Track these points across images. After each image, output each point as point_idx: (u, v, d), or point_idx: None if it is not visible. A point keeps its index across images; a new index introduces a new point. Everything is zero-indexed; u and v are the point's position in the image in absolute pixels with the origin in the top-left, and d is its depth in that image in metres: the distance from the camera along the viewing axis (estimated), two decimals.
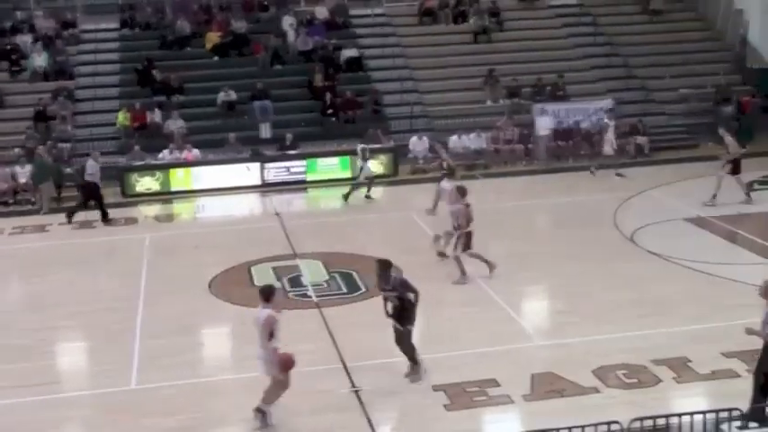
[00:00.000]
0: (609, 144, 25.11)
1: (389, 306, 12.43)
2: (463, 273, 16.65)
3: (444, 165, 21.07)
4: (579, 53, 30.92)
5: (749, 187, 22.04)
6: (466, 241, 16.79)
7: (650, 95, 29.52)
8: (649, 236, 19.25)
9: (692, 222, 20.18)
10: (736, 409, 10.39)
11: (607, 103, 28.19)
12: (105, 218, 22.13)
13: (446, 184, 18.93)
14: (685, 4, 33.23)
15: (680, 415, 10.35)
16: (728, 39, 31.49)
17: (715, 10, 32.27)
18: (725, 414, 10.43)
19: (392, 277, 12.50)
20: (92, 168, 22.41)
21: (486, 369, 12.68)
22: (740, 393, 11.54)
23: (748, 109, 28.16)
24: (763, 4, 30.37)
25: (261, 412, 11.32)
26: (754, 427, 10.09)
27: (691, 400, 11.77)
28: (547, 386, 12.25)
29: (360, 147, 23.51)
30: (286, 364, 11.23)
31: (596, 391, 12.12)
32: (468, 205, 16.85)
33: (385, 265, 12.53)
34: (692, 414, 10.26)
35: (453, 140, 26.73)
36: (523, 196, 22.85)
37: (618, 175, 24.69)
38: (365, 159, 23.32)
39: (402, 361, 12.74)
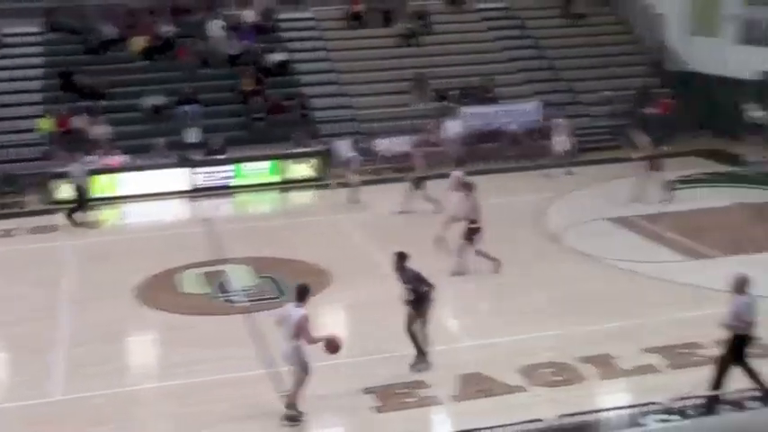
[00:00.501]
0: (560, 144, 25.52)
1: (407, 296, 12.93)
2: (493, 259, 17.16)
3: (418, 169, 21.71)
4: (506, 56, 31.29)
5: (671, 185, 22.55)
6: (472, 236, 17.09)
7: (577, 97, 30.00)
8: (575, 235, 19.59)
9: (616, 222, 20.55)
10: (657, 402, 10.65)
11: (533, 105, 28.58)
12: (70, 217, 22.10)
13: (455, 173, 19.74)
14: (606, 8, 33.85)
15: (603, 411, 10.57)
16: (648, 42, 32.17)
17: (634, 14, 32.94)
18: (646, 408, 10.69)
19: (407, 270, 12.95)
20: (77, 171, 22.31)
21: (414, 371, 12.77)
22: (660, 387, 11.85)
23: (668, 110, 28.79)
24: (680, 9, 31.09)
25: (291, 418, 11.51)
26: (675, 420, 10.34)
27: (614, 395, 12.03)
28: (474, 386, 12.40)
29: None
30: (332, 346, 11.64)
31: (522, 389, 12.30)
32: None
33: (401, 258, 13.03)
34: (614, 409, 10.49)
35: (382, 143, 26.82)
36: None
37: (568, 173, 25.07)
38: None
39: (334, 364, 12.77)
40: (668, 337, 13.77)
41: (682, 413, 10.77)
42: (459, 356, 13.46)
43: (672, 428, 10.23)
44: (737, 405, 11.08)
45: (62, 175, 23.69)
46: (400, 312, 13.96)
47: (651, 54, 31.77)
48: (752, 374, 11.49)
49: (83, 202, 22.35)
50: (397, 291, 15.97)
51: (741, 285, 11.67)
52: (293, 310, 11.47)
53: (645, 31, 32.36)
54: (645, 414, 10.76)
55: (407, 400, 12.10)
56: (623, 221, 20.52)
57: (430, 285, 12.93)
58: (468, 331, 14.74)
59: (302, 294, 11.59)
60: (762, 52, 27.54)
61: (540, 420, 10.32)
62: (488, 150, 27.42)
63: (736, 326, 11.38)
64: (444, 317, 15.33)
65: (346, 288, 16.67)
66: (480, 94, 29.17)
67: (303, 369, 11.45)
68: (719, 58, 28.89)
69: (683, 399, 11.00)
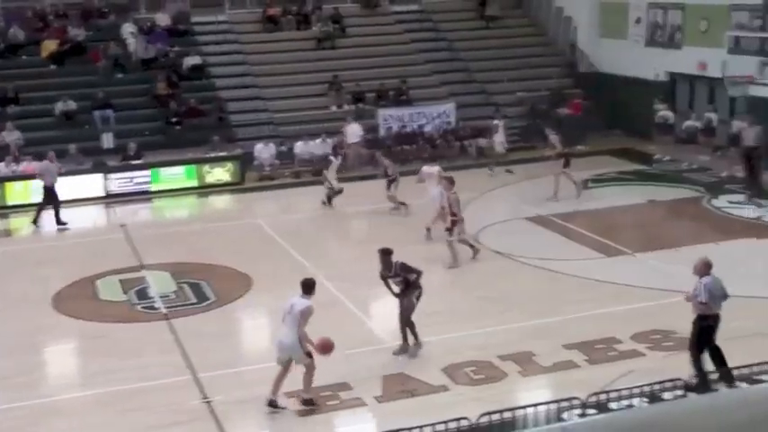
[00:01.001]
0: (500, 144, 25.84)
1: (395, 288, 13.47)
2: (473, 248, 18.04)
3: (388, 171, 21.94)
4: (421, 58, 31.54)
5: (584, 185, 23.05)
6: (452, 227, 17.76)
7: (490, 99, 30.39)
8: (493, 235, 19.84)
9: (532, 221, 20.91)
10: (576, 398, 10.86)
11: (448, 106, 28.88)
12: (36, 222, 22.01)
13: (428, 169, 20.63)
14: (519, 11, 34.38)
15: (525, 407, 10.74)
16: (560, 44, 32.79)
17: (546, 17, 33.55)
18: (566, 404, 10.89)
19: (393, 263, 13.45)
20: (43, 170, 22.07)
21: (338, 373, 12.80)
22: (580, 383, 12.10)
23: (580, 111, 29.39)
24: (589, 13, 31.78)
25: (309, 402, 11.90)
26: (592, 414, 10.56)
27: (535, 392, 12.23)
28: (398, 387, 12.49)
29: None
30: (325, 347, 11.90)
31: (446, 389, 12.44)
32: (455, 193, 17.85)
33: (386, 253, 13.53)
34: (535, 406, 10.67)
35: (299, 146, 26.80)
36: (370, 200, 23.11)
37: (507, 171, 25.35)
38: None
39: (257, 368, 12.75)
40: (586, 333, 14.08)
41: (600, 407, 11.00)
42: (383, 357, 13.54)
43: (590, 422, 10.46)
44: (653, 397, 11.37)
45: None
46: (323, 316, 13.98)
47: (563, 56, 32.39)
48: (697, 361, 11.93)
49: (46, 205, 21.92)
50: (319, 295, 16.04)
51: (703, 268, 12.10)
52: (299, 301, 11.85)
53: (557, 33, 32.99)
54: (565, 410, 10.96)
55: (330, 402, 12.13)
56: (539, 220, 20.89)
57: (418, 272, 13.48)
58: (391, 332, 14.80)
59: (308, 287, 11.99)
60: (667, 54, 28.33)
61: (463, 419, 10.42)
62: (405, 152, 27.58)
63: (697, 306, 11.90)
64: (367, 319, 15.43)
65: (268, 292, 16.62)
66: (396, 96, 29.35)
67: (308, 354, 11.80)
68: (628, 59, 29.63)
69: (601, 393, 11.24)
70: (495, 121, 26.40)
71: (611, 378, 12.30)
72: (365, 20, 32.91)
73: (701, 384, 11.82)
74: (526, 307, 15.43)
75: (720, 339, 13.38)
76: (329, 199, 22.58)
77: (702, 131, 26.22)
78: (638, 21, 29.77)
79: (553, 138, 23.03)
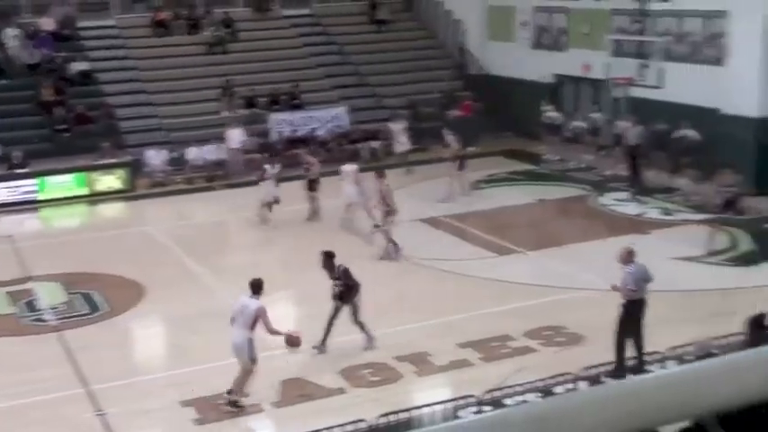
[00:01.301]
0: (402, 145, 25.99)
1: (336, 290, 13.82)
2: (394, 244, 18.33)
3: (313, 171, 21.88)
4: (313, 62, 31.57)
5: (475, 185, 23.47)
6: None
7: (382, 102, 30.63)
8: (376, 240, 19.93)
9: (427, 222, 21.16)
10: (471, 395, 11.09)
11: (340, 110, 29.00)
12: None
13: (346, 167, 20.86)
14: (409, 15, 34.75)
15: (421, 407, 10.92)
16: (449, 47, 33.28)
17: (436, 20, 33.99)
18: (462, 402, 11.12)
19: (337, 267, 13.91)
20: None
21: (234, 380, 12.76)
22: (475, 380, 12.35)
23: (471, 113, 29.88)
24: (478, 16, 32.35)
25: (234, 404, 12.04)
26: (488, 410, 10.80)
27: (431, 391, 12.43)
28: (296, 392, 12.52)
29: None
30: (293, 340, 12.57)
31: (343, 391, 12.52)
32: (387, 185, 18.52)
33: (329, 256, 14.00)
34: (432, 405, 10.86)
35: (191, 152, 26.50)
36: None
37: (408, 171, 25.51)
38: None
39: (152, 378, 12.61)
40: (480, 331, 14.35)
41: (495, 404, 11.26)
42: (280, 362, 13.53)
43: (486, 419, 10.71)
44: (546, 392, 11.68)
45: None
46: (217, 324, 13.95)
47: (453, 59, 32.87)
48: (621, 348, 12.44)
49: None
50: (212, 302, 15.98)
51: (627, 257, 12.69)
52: (250, 302, 12.20)
53: (447, 36, 33.46)
54: (461, 408, 11.19)
55: (228, 410, 12.08)
56: (433, 221, 21.16)
57: (356, 282, 13.89)
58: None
59: (257, 287, 12.37)
60: (553, 56, 29.06)
61: (361, 421, 10.55)
62: (298, 156, 27.55)
63: (626, 293, 12.45)
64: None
65: (161, 300, 16.43)
66: (288, 101, 29.32)
67: (252, 360, 12.07)
68: (516, 62, 30.27)
69: (495, 390, 11.51)
70: (395, 125, 26.57)
71: (505, 375, 12.58)
72: (257, 24, 32.77)
73: (619, 370, 12.17)
74: (421, 307, 15.61)
75: (608, 332, 13.83)
76: (269, 206, 21.89)
77: (588, 131, 26.96)
78: (524, 24, 30.44)
79: (450, 139, 23.44)
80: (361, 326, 13.89)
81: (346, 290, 13.79)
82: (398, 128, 26.38)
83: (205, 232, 21.46)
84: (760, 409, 1.65)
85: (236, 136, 26.56)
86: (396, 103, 30.28)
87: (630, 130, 23.57)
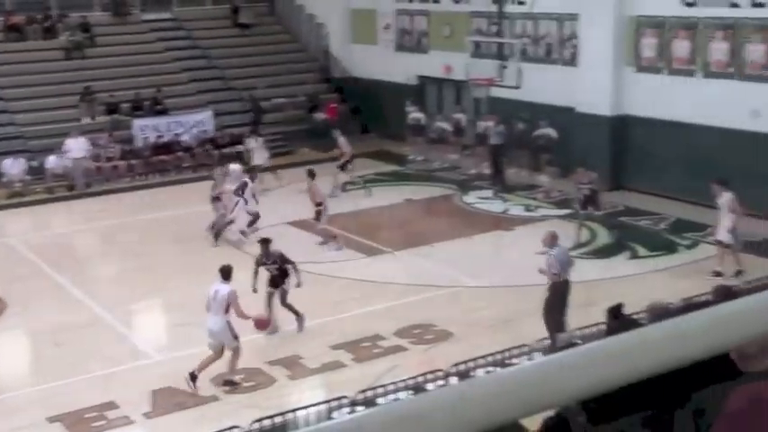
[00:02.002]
0: (261, 158, 25.52)
1: (270, 276, 14.51)
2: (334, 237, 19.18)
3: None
4: (177, 67, 31.12)
5: (343, 187, 23.61)
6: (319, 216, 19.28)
7: (247, 106, 30.43)
8: (255, 243, 19.84)
9: (295, 225, 21.12)
10: (345, 396, 11.20)
11: (205, 115, 28.70)
12: None
13: (235, 166, 21.32)
14: (272, 18, 34.67)
15: (295, 410, 10.95)
16: (313, 50, 33.37)
17: (299, 24, 34.02)
18: (335, 403, 11.21)
19: (272, 252, 14.62)
20: None
21: (103, 392, 12.52)
22: (348, 381, 12.47)
23: (336, 115, 30.03)
24: (340, 19, 32.53)
25: (231, 383, 12.68)
26: (361, 410, 10.94)
27: (305, 394, 12.48)
28: (168, 401, 12.36)
29: None
30: (261, 323, 13.55)
31: (216, 398, 12.44)
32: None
33: (266, 242, 14.91)
34: (306, 408, 10.91)
35: (52, 161, 25.70)
36: (129, 213, 22.61)
37: (276, 177, 25.20)
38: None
39: (15, 394, 12.22)
40: (351, 332, 14.48)
41: (368, 404, 11.40)
42: (151, 372, 13.35)
43: (357, 419, 10.83)
44: (417, 389, 11.88)
45: None
46: (83, 335, 13.65)
47: (317, 62, 32.97)
48: (551, 328, 12.94)
49: None
50: (77, 314, 15.64)
51: (551, 240, 13.36)
52: (221, 287, 12.79)
53: (310, 40, 33.53)
54: (335, 409, 11.27)
55: (97, 423, 11.84)
56: (302, 224, 21.14)
57: (293, 263, 14.60)
58: (157, 346, 14.63)
59: (227, 273, 12.99)
60: (416, 58, 29.51)
61: (236, 427, 10.51)
62: (163, 162, 27.17)
63: (550, 277, 13.06)
64: (130, 334, 15.12)
65: (24, 314, 15.93)
66: (152, 106, 28.82)
67: (235, 337, 12.74)
68: (379, 64, 30.60)
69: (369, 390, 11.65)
70: (251, 142, 25.74)
71: (377, 374, 12.75)
72: (116, 29, 32.03)
73: (553, 348, 12.56)
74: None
75: (476, 328, 14.21)
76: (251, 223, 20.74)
77: (451, 132, 27.48)
78: (386, 27, 30.80)
79: (341, 140, 23.66)
80: (291, 308, 14.53)
81: (280, 274, 14.46)
82: (255, 145, 25.57)
83: (68, 242, 20.90)
84: (619, 393, 1.77)
85: (79, 145, 25.48)
86: (262, 107, 30.20)
87: (493, 130, 24.16)
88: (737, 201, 16.29)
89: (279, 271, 14.53)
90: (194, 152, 27.57)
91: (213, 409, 12.15)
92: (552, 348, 12.66)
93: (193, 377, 12.50)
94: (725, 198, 16.34)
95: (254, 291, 14.41)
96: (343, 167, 23.20)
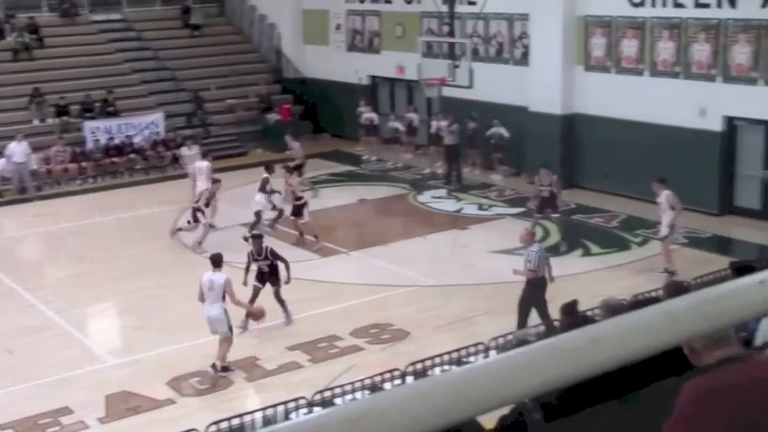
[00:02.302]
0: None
1: (259, 271, 14.80)
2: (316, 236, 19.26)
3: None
4: (127, 68, 30.81)
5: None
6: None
7: (200, 107, 30.24)
8: (210, 244, 19.75)
9: (248, 226, 21.02)
10: (302, 397, 11.21)
11: (157, 116, 28.48)
12: None
13: (199, 164, 21.48)
14: (223, 19, 34.50)
15: (252, 412, 10.94)
16: (265, 51, 33.27)
17: (250, 24, 33.91)
18: (293, 404, 11.21)
19: (264, 248, 14.89)
20: None
21: (57, 397, 12.40)
22: (305, 382, 12.48)
23: (289, 116, 29.99)
24: (292, 20, 32.47)
25: (224, 369, 12.98)
26: (319, 411, 10.95)
27: (262, 396, 12.47)
28: (122, 405, 12.28)
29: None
30: (257, 314, 13.98)
31: (172, 402, 12.38)
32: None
33: (257, 237, 15.48)
34: (263, 409, 10.91)
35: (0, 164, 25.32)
36: (81, 216, 22.38)
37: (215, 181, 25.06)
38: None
39: None
40: (308, 333, 14.49)
41: (325, 404, 11.41)
42: (105, 376, 13.25)
43: (313, 419, 10.85)
44: (374, 389, 11.93)
45: None
46: (36, 340, 13.51)
47: (270, 63, 32.88)
48: (523, 321, 13.24)
49: None
50: (29, 318, 15.48)
51: (529, 237, 13.73)
52: (216, 276, 13.16)
53: (261, 40, 33.43)
54: (292, 410, 11.27)
55: (51, 429, 11.73)
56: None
57: (284, 258, 14.96)
58: (111, 350, 14.52)
59: (218, 261, 13.38)
60: (368, 58, 29.56)
61: (192, 430, 10.46)
62: (115, 164, 26.92)
63: (526, 273, 13.32)
64: (85, 338, 14.99)
65: None
66: (102, 108, 28.53)
67: (230, 329, 13.17)
68: (331, 64, 30.61)
69: (325, 390, 11.66)
70: (184, 150, 24.58)
71: (334, 375, 12.78)
72: (65, 30, 31.64)
73: (523, 342, 12.68)
74: (243, 312, 15.52)
75: (432, 327, 14.31)
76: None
77: (405, 131, 27.57)
78: (338, 27, 30.81)
79: (294, 145, 23.65)
80: (283, 303, 14.77)
81: (270, 270, 14.76)
82: (189, 153, 25.04)
83: (19, 246, 20.67)
84: (574, 389, 1.81)
85: (21, 149, 25.00)
86: (214, 108, 30.08)
87: (447, 130, 24.29)
88: (677, 198, 16.58)
89: (269, 267, 14.80)
90: (146, 154, 27.36)
91: (168, 413, 12.09)
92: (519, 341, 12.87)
93: (224, 368, 12.99)
94: (664, 196, 16.65)
95: (245, 284, 14.57)
96: (297, 171, 23.04)
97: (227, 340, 13.15)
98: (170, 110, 29.27)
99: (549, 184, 18.77)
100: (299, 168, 23.07)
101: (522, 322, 13.37)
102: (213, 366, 13.02)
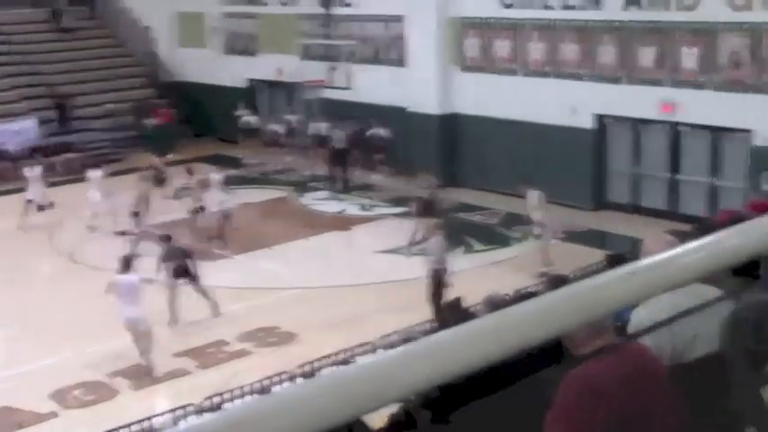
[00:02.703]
0: (36, 195, 24.13)
1: (174, 269, 15.06)
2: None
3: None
4: None
5: (176, 194, 23.30)
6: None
7: (75, 113, 29.54)
8: (89, 252, 19.35)
9: (129, 233, 20.64)
10: (191, 404, 11.14)
11: (30, 122, 27.67)
12: None
13: (93, 174, 21.26)
14: (95, 22, 33.72)
15: (140, 421, 10.82)
16: (140, 54, 32.68)
17: (124, 27, 33.22)
18: (181, 411, 11.13)
19: (174, 247, 15.48)
20: None
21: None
22: (193, 388, 12.39)
23: (167, 120, 29.57)
24: (167, 23, 32.00)
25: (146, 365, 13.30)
26: (208, 417, 10.89)
27: (149, 404, 12.32)
28: (6, 420, 11.97)
29: None
30: None
31: (55, 415, 12.13)
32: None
33: (168, 239, 15.83)
34: (150, 418, 10.80)
35: None
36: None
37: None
38: None
39: None
40: (194, 339, 14.39)
41: (214, 410, 11.37)
42: None
43: (197, 426, 10.80)
44: (264, 392, 11.93)
45: None
46: None
47: (145, 66, 32.34)
48: (438, 307, 13.82)
49: None
50: None
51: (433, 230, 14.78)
52: (132, 278, 13.41)
53: (137, 44, 32.83)
54: (180, 417, 11.18)
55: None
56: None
57: (192, 254, 15.57)
58: None
59: (128, 262, 13.66)
60: (246, 61, 29.42)
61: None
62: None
63: (432, 263, 14.46)
64: None
65: None
66: None
67: (149, 326, 13.43)
68: (209, 68, 30.33)
69: (215, 396, 11.61)
70: (26, 171, 22.36)
71: (222, 380, 12.72)
72: None
73: (443, 327, 12.81)
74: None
75: (319, 328, 14.41)
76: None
77: (285, 134, 27.55)
78: (214, 30, 30.55)
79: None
80: (205, 294, 15.33)
81: (182, 268, 15.21)
82: (31, 175, 22.33)
83: None
84: (460, 384, 1.89)
85: None
86: (90, 113, 29.43)
87: (335, 132, 24.41)
88: (544, 198, 17.20)
89: (180, 267, 15.18)
90: (20, 162, 26.49)
91: (52, 426, 11.86)
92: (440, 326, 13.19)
93: (149, 370, 13.24)
94: (530, 196, 17.23)
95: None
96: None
97: (149, 337, 13.45)
98: (44, 116, 28.48)
99: (427, 186, 19.16)
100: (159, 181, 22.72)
101: (439, 309, 13.79)
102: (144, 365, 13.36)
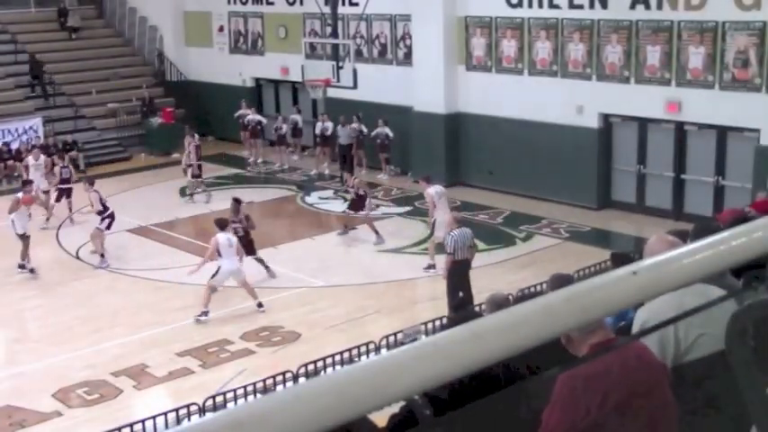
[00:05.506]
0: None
1: (237, 233, 16.07)
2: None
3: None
4: (2, 72, 29.88)
5: (183, 192, 23.33)
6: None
7: (80, 111, 29.58)
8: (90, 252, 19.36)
9: (135, 232, 20.73)
10: (194, 403, 11.12)
11: (35, 121, 27.68)
12: None
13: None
14: (102, 22, 33.75)
15: (143, 421, 10.79)
16: (146, 54, 32.69)
17: (131, 26, 33.25)
18: (184, 411, 11.11)
19: (241, 212, 16.58)
20: None
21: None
22: (197, 388, 12.37)
23: (173, 119, 29.55)
24: (174, 22, 32.01)
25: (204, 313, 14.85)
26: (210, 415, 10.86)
27: (153, 404, 12.29)
28: (5, 420, 11.94)
29: None
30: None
31: (59, 414, 12.11)
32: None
33: (237, 201, 17.10)
34: (153, 417, 10.77)
35: None
36: None
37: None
38: None
39: None
40: (197, 338, 14.37)
41: (217, 410, 11.34)
42: None
43: (197, 425, 10.77)
44: (267, 392, 11.91)
45: None
46: None
47: (151, 65, 32.33)
48: (453, 296, 13.80)
49: None
50: None
51: (452, 223, 14.72)
52: (229, 235, 15.24)
53: (143, 43, 32.84)
54: (184, 417, 11.16)
55: None
56: (141, 231, 20.77)
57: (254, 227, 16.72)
58: None
59: (224, 223, 15.53)
60: (251, 60, 29.40)
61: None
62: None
63: (448, 256, 14.38)
64: None
65: None
66: None
67: (244, 276, 15.34)
68: (215, 67, 30.31)
69: (217, 395, 11.59)
70: (29, 159, 23.15)
71: (225, 379, 12.71)
72: None
73: (460, 307, 12.87)
74: (135, 319, 15.35)
75: (323, 328, 14.38)
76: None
77: (290, 133, 27.50)
78: (221, 29, 30.53)
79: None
80: (261, 261, 16.74)
81: (245, 237, 16.19)
82: (35, 163, 23.14)
83: None
84: (461, 383, 1.86)
85: None
86: (95, 112, 29.44)
87: (342, 131, 24.45)
88: (444, 195, 17.69)
89: (244, 231, 16.28)
90: (22, 159, 26.48)
91: (56, 425, 11.83)
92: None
93: (259, 305, 15.10)
94: (429, 192, 17.65)
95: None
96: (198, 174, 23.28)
97: (246, 283, 15.26)
98: (49, 115, 28.50)
99: (352, 186, 19.88)
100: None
101: (455, 298, 13.77)
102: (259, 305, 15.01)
